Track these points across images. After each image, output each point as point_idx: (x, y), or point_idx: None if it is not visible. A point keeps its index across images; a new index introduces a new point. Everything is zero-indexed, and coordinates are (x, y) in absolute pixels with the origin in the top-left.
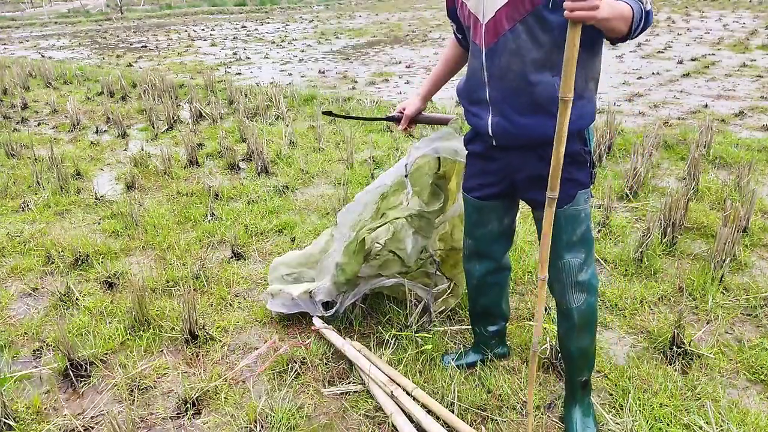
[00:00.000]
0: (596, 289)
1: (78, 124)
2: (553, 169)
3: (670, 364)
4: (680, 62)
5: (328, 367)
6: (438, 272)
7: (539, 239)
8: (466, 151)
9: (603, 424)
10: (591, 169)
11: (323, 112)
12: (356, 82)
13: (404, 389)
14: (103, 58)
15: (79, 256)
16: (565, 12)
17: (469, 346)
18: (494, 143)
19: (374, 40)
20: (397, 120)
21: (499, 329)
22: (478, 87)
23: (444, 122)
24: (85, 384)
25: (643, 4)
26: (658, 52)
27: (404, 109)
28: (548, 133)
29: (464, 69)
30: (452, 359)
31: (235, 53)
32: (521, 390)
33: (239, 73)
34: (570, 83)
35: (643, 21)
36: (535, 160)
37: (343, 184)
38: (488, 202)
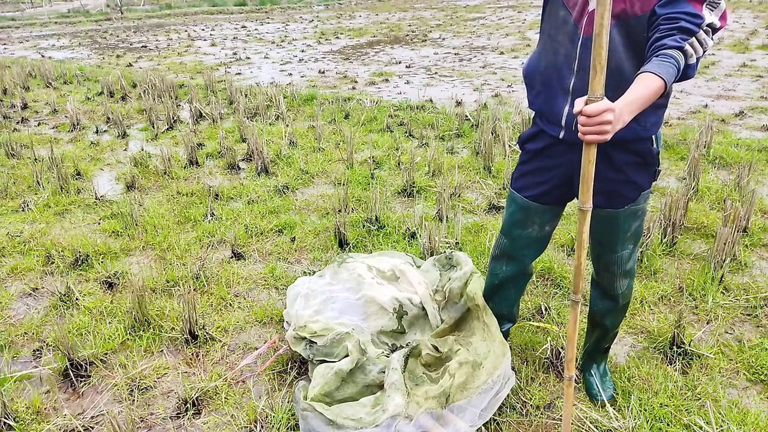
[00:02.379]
0: (635, 271)
1: (78, 124)
2: (576, 271)
3: (671, 364)
4: None
5: None
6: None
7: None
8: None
9: (603, 425)
10: (656, 167)
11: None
12: (356, 82)
13: None
14: (103, 58)
15: (79, 256)
16: (579, 134)
17: None
18: (562, 136)
19: (374, 40)
20: None
21: (505, 331)
22: (563, 74)
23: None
24: (85, 384)
25: (686, 56)
26: None
27: None
28: (623, 132)
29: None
30: None
31: (235, 53)
32: (521, 390)
33: (239, 73)
34: (588, 194)
35: (681, 74)
36: (601, 160)
37: (343, 184)
38: (538, 204)
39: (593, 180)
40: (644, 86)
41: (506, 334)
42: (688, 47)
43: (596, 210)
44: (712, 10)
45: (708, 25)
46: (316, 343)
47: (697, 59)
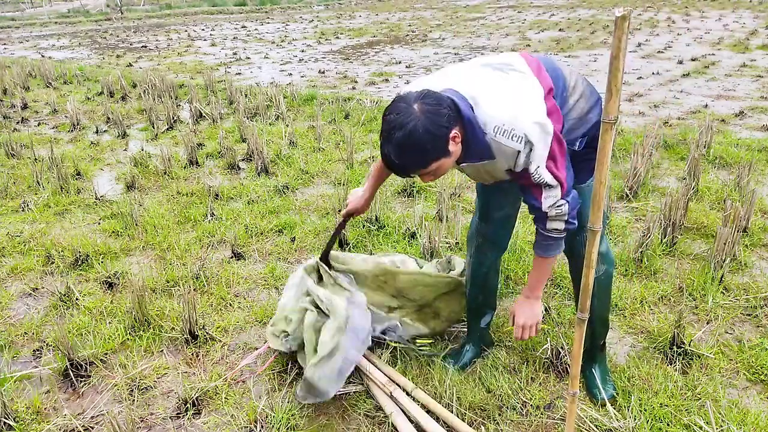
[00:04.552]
0: (614, 262)
1: (78, 124)
2: (584, 291)
3: (671, 364)
4: (680, 62)
5: None
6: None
7: None
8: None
9: (603, 424)
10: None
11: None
12: (356, 82)
13: (404, 389)
14: (103, 58)
15: (79, 256)
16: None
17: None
18: None
19: (374, 40)
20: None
21: (490, 320)
22: None
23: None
24: (85, 384)
25: (554, 231)
26: (658, 52)
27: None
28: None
29: None
30: (451, 360)
31: (235, 53)
32: (521, 390)
33: (239, 73)
34: (599, 214)
35: (562, 236)
36: None
37: (343, 184)
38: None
39: None
40: (537, 270)
41: (490, 324)
42: (549, 227)
43: None
44: (548, 189)
45: (552, 205)
46: (288, 333)
47: (566, 223)
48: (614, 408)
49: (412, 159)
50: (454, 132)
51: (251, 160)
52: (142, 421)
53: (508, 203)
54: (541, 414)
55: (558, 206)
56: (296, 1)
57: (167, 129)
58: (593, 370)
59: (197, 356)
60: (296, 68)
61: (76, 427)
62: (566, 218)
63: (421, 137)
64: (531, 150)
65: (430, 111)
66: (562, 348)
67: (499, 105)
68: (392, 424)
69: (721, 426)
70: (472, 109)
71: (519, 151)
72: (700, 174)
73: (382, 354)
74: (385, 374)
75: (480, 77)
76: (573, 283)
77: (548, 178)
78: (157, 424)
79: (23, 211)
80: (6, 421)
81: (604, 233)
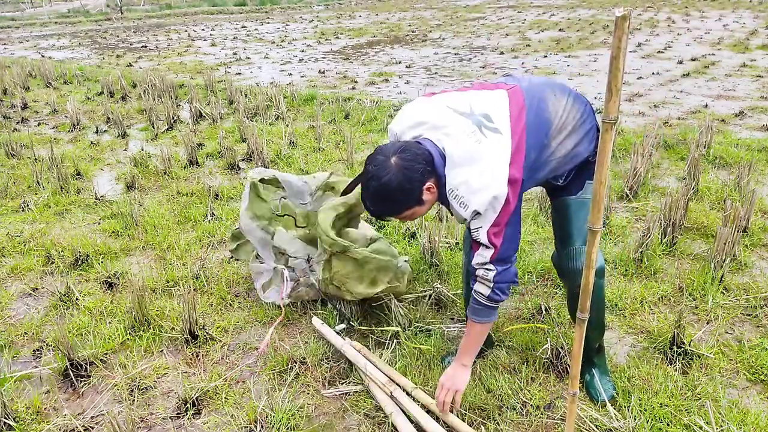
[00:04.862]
0: (603, 271)
1: (78, 124)
2: (584, 291)
3: (671, 364)
4: (680, 62)
5: (328, 367)
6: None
7: (553, 224)
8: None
9: (603, 424)
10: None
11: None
12: (356, 82)
13: (404, 389)
14: (103, 58)
15: (79, 256)
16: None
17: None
18: None
19: (374, 40)
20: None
21: None
22: None
23: None
24: (85, 384)
25: (481, 293)
26: (658, 52)
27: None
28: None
29: None
30: (452, 360)
31: (235, 53)
32: (521, 390)
33: (239, 73)
34: (599, 215)
35: (491, 302)
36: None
37: None
38: None
39: None
40: (467, 335)
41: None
42: (476, 286)
43: (555, 200)
44: (482, 248)
45: (480, 264)
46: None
47: (491, 289)
48: (614, 408)
49: (385, 208)
50: (429, 184)
51: (251, 160)
52: (142, 421)
53: None
54: (541, 414)
55: (486, 268)
56: (296, 1)
57: (167, 129)
58: (593, 370)
59: (197, 356)
60: (296, 68)
61: (76, 427)
62: (491, 285)
63: (394, 190)
64: (477, 216)
65: (406, 167)
66: (562, 348)
67: (461, 174)
68: (392, 424)
69: (721, 426)
70: (444, 165)
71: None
72: (700, 174)
73: (382, 354)
74: (385, 374)
75: (457, 135)
76: (567, 297)
77: (484, 240)
78: (157, 424)
79: (23, 211)
80: (6, 421)
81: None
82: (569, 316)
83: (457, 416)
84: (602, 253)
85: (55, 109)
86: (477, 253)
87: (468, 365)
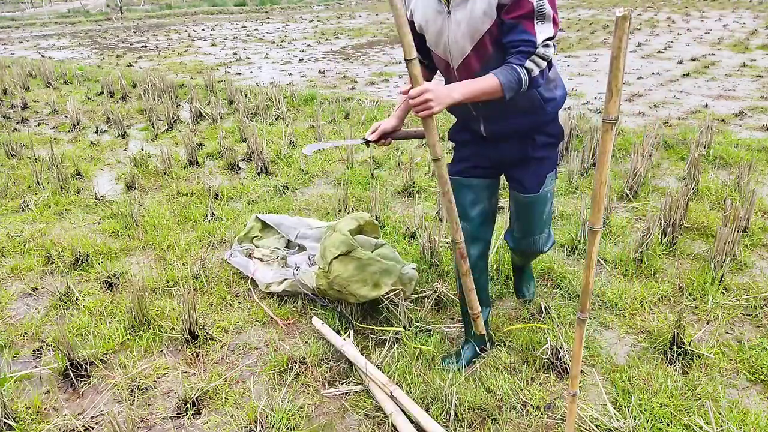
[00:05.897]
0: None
1: (78, 124)
2: (584, 291)
3: (670, 364)
4: (680, 62)
5: (328, 367)
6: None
7: (510, 212)
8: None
9: (603, 424)
10: (559, 150)
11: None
12: (356, 82)
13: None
14: (103, 58)
15: (79, 256)
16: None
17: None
18: (484, 136)
19: (374, 40)
20: (374, 140)
21: (486, 318)
22: (468, 117)
23: (420, 136)
24: (85, 384)
25: (528, 71)
26: (658, 52)
27: (379, 126)
28: (530, 124)
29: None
30: (452, 361)
31: (235, 53)
32: (521, 390)
33: (239, 73)
34: (599, 215)
35: (525, 84)
36: (518, 144)
37: (343, 184)
38: (480, 180)
39: (520, 160)
40: (483, 81)
41: (487, 323)
42: (528, 64)
43: (516, 193)
44: (543, 22)
45: (543, 42)
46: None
47: (541, 71)
48: (614, 408)
49: None
50: None
51: (251, 160)
52: (142, 421)
53: (483, 199)
54: (541, 414)
55: (546, 45)
56: (296, 1)
57: (167, 129)
58: (521, 279)
59: (197, 356)
60: (296, 68)
61: (76, 427)
62: (543, 68)
63: None
64: None
65: None
66: (562, 348)
67: None
68: (392, 424)
69: (721, 426)
70: None
71: None
72: (700, 174)
73: (382, 354)
74: (385, 374)
75: None
76: (513, 271)
77: (548, 10)
78: (157, 424)
79: (23, 211)
80: (6, 421)
81: (551, 231)
82: (569, 317)
83: (457, 416)
84: (554, 234)
85: (55, 109)
86: (539, 30)
87: (456, 97)
